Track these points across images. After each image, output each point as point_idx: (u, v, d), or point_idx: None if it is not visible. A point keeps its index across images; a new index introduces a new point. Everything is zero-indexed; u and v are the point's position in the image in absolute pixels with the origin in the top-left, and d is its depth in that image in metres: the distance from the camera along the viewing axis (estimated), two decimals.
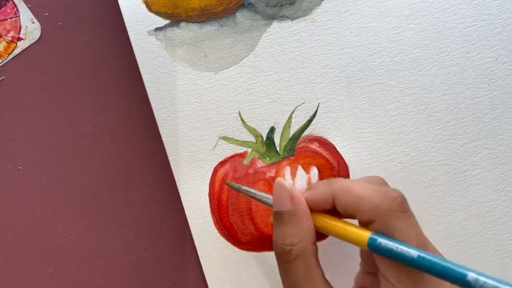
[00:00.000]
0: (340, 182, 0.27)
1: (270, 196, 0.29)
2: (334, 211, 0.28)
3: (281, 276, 0.27)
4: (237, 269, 0.35)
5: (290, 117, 0.34)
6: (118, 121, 0.35)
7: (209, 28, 0.34)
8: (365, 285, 0.29)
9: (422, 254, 0.23)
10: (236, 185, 0.31)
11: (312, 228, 0.27)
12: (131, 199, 0.35)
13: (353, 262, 0.32)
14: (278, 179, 0.29)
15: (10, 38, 0.35)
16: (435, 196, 0.34)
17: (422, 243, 0.25)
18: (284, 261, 0.27)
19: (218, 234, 0.35)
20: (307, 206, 0.28)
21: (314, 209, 0.28)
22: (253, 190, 0.30)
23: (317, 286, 0.26)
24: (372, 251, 0.25)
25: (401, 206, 0.25)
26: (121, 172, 0.35)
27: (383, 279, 0.25)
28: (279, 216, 0.27)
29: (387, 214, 0.25)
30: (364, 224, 0.26)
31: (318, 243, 0.28)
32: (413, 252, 0.23)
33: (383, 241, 0.24)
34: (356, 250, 0.31)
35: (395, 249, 0.24)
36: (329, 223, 0.27)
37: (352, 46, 0.34)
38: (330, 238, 0.32)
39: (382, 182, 0.29)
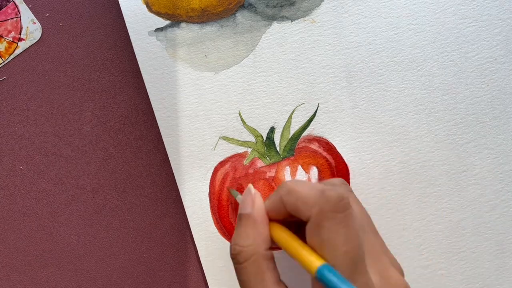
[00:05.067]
0: (286, 185, 0.27)
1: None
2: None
3: (237, 278, 0.28)
4: None
5: (290, 117, 0.35)
6: (119, 121, 0.35)
7: (210, 29, 0.35)
8: None
9: None
10: (236, 193, 0.33)
11: (266, 235, 0.27)
12: (131, 199, 0.35)
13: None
14: (249, 185, 0.30)
15: (11, 39, 0.35)
16: (434, 196, 0.34)
17: (345, 252, 0.24)
18: (235, 262, 0.27)
19: (218, 234, 0.35)
20: (265, 215, 0.28)
21: (277, 217, 0.28)
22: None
23: (268, 287, 0.26)
24: (318, 280, 0.25)
25: (336, 206, 0.25)
26: (121, 172, 0.35)
27: None
28: (239, 217, 0.28)
29: (320, 214, 0.25)
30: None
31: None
32: None
33: (329, 275, 0.24)
34: None
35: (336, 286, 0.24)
36: (286, 240, 0.27)
37: (352, 47, 0.34)
38: None
39: (338, 183, 0.29)
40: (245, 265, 0.27)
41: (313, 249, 0.25)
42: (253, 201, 0.28)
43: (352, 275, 0.24)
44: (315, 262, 0.25)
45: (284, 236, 0.27)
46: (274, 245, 0.28)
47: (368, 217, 0.29)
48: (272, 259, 0.27)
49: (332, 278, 0.23)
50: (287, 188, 0.27)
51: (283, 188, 0.27)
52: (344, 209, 0.25)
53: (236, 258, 0.27)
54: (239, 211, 0.29)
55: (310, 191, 0.26)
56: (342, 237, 0.24)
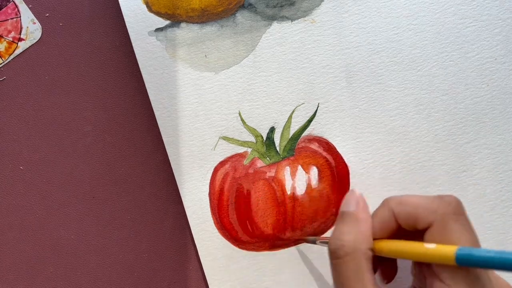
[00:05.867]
0: (394, 198, 0.28)
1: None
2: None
3: (332, 275, 0.28)
4: (237, 269, 0.35)
5: (290, 117, 0.35)
6: (119, 121, 0.35)
7: (210, 29, 0.35)
8: None
9: None
10: (312, 238, 0.33)
11: (368, 235, 0.28)
12: (131, 199, 0.35)
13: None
14: (352, 188, 0.32)
15: (11, 39, 0.35)
16: None
17: (476, 243, 0.26)
18: (335, 257, 0.28)
19: (218, 234, 0.35)
20: (369, 216, 0.29)
21: (384, 235, 0.28)
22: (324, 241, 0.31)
23: (366, 287, 0.26)
24: (461, 264, 0.25)
25: (457, 209, 0.26)
26: (121, 172, 0.35)
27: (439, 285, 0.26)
28: (341, 215, 0.30)
29: (444, 217, 0.26)
30: (421, 232, 0.27)
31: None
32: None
33: (472, 251, 0.24)
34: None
35: (490, 255, 0.23)
36: (409, 246, 0.27)
37: (352, 47, 0.34)
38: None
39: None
40: (345, 259, 0.27)
41: None
42: (357, 201, 0.30)
43: (479, 275, 0.25)
44: (449, 248, 0.25)
45: (398, 243, 0.27)
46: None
47: None
48: (371, 260, 0.27)
49: (480, 251, 0.23)
50: (397, 200, 0.28)
51: (392, 201, 0.28)
52: (462, 211, 0.26)
53: (336, 252, 0.27)
54: (341, 209, 0.30)
55: (425, 198, 0.27)
56: (469, 237, 0.25)
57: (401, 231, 0.28)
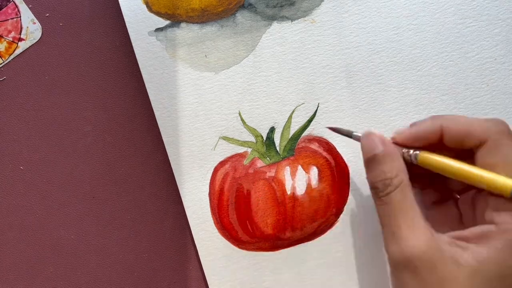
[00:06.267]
0: (445, 115, 0.29)
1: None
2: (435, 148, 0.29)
3: (379, 213, 0.29)
4: (237, 269, 0.35)
5: (290, 117, 0.35)
6: (119, 121, 0.35)
7: (210, 29, 0.35)
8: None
9: None
10: (346, 130, 0.33)
11: (405, 167, 0.29)
12: (131, 199, 0.35)
13: None
14: (366, 130, 0.30)
15: (11, 39, 0.35)
16: None
17: None
18: (387, 193, 0.28)
19: (218, 234, 0.35)
20: (396, 150, 0.29)
21: (419, 145, 0.29)
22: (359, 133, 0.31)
23: (417, 214, 0.27)
24: None
25: (510, 130, 0.27)
26: (121, 172, 0.35)
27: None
28: (373, 158, 0.29)
29: (499, 136, 0.27)
30: (470, 150, 0.28)
31: None
32: None
33: None
34: None
35: None
36: (464, 167, 0.27)
37: (352, 47, 0.34)
38: None
39: None
40: (395, 192, 0.28)
41: (493, 171, 0.26)
42: (381, 140, 0.29)
43: None
44: (507, 180, 0.25)
45: (445, 159, 0.28)
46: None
47: None
48: (412, 190, 0.28)
49: None
50: (449, 117, 0.29)
51: (442, 118, 0.29)
52: None
53: (386, 190, 0.28)
54: (367, 154, 0.30)
55: (477, 119, 0.28)
56: None
57: (436, 148, 0.29)
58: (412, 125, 0.30)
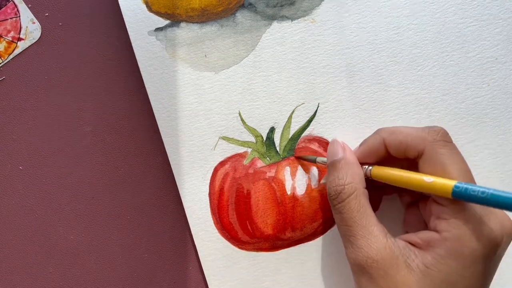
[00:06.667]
0: (386, 128, 0.30)
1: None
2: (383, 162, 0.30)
3: (336, 221, 0.30)
4: (237, 269, 0.35)
5: (290, 117, 0.34)
6: (118, 121, 0.35)
7: (209, 29, 0.34)
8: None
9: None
10: (311, 157, 0.33)
11: (362, 175, 0.30)
12: (131, 199, 0.35)
13: None
14: (334, 137, 0.32)
15: (10, 38, 0.35)
16: None
17: (466, 171, 0.27)
18: (338, 201, 0.29)
19: (218, 234, 0.35)
20: (356, 158, 0.30)
21: (370, 161, 0.30)
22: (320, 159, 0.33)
23: (371, 221, 0.28)
24: (456, 197, 0.26)
25: (445, 137, 0.28)
26: (121, 172, 0.35)
27: (433, 219, 0.28)
28: (332, 164, 0.30)
29: (434, 144, 0.28)
30: (413, 160, 0.29)
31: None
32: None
33: (469, 187, 0.25)
34: None
35: (480, 192, 0.24)
36: (409, 175, 0.28)
37: (352, 46, 0.34)
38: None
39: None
40: (348, 200, 0.29)
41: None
42: (343, 147, 0.31)
43: None
44: (448, 181, 0.26)
45: (393, 171, 0.29)
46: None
47: None
48: (368, 198, 0.29)
49: (475, 187, 0.25)
50: (389, 130, 0.30)
51: (384, 131, 0.30)
52: (450, 139, 0.28)
53: (339, 196, 0.29)
54: (329, 160, 0.31)
55: (414, 128, 0.29)
56: (459, 159, 0.27)
57: (388, 160, 0.30)
58: (361, 143, 0.31)
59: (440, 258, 0.26)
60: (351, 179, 0.29)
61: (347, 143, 0.32)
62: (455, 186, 0.25)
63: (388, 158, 0.30)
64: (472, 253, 0.25)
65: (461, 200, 0.26)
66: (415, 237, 0.28)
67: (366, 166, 0.30)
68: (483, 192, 0.24)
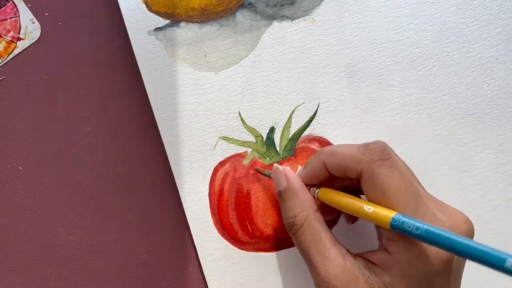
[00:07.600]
0: (326, 149, 0.29)
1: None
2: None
3: (298, 249, 0.29)
4: (237, 269, 0.35)
5: (290, 117, 0.34)
6: (118, 121, 0.35)
7: (209, 28, 0.34)
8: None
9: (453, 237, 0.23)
10: (268, 172, 0.33)
11: (310, 199, 0.29)
12: (131, 199, 0.35)
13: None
14: (275, 165, 0.32)
15: (10, 38, 0.35)
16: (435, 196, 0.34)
17: (406, 188, 0.26)
18: (293, 233, 0.29)
19: (218, 234, 0.35)
20: (300, 181, 0.30)
21: (315, 183, 0.30)
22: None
23: (326, 245, 0.28)
24: (395, 229, 0.26)
25: (381, 155, 0.27)
26: (121, 172, 0.35)
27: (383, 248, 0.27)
28: (279, 195, 0.30)
29: (371, 165, 0.27)
30: (355, 180, 0.28)
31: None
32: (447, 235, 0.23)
33: (405, 220, 0.25)
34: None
35: (413, 229, 0.24)
36: (342, 199, 0.28)
37: (353, 46, 0.34)
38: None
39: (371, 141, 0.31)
40: (301, 230, 0.29)
41: (375, 200, 0.27)
42: (286, 175, 0.30)
43: (418, 211, 0.26)
44: (387, 213, 0.26)
45: (338, 196, 0.28)
46: (327, 216, 0.30)
47: (408, 166, 0.30)
48: (323, 220, 0.29)
49: (411, 221, 0.24)
50: (328, 151, 0.29)
51: (323, 153, 0.29)
52: (388, 156, 0.27)
53: (292, 229, 0.29)
54: (276, 190, 0.31)
55: (352, 149, 0.28)
56: (398, 177, 0.26)
57: (337, 178, 0.30)
58: (305, 165, 0.31)
59: (396, 278, 0.26)
60: (300, 208, 0.29)
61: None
62: (393, 220, 0.25)
63: (335, 176, 0.30)
64: (423, 273, 0.25)
65: (399, 232, 0.25)
66: (373, 257, 0.27)
67: (314, 188, 0.30)
68: (417, 228, 0.24)
